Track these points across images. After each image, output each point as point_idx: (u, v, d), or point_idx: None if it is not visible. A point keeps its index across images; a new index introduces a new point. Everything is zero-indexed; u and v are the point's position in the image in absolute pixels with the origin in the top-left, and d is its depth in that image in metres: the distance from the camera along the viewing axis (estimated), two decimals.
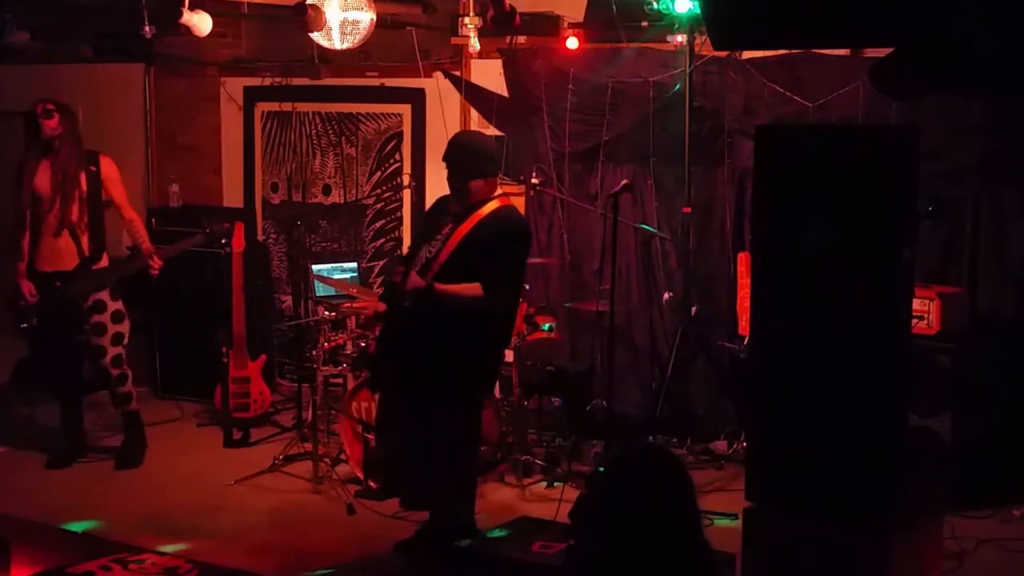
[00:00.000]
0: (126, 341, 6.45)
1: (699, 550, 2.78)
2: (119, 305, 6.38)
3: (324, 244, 8.21)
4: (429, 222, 5.35)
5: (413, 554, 5.19)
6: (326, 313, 6.54)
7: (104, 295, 6.30)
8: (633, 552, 2.70)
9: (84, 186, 6.22)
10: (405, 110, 7.89)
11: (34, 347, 7.03)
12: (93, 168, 6.27)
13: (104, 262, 6.37)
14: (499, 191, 5.20)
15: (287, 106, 8.22)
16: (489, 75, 7.37)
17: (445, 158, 5.18)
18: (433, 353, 5.00)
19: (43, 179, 6.17)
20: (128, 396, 6.53)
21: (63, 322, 6.32)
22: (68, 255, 6.23)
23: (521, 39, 7.19)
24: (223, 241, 6.88)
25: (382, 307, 5.21)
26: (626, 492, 2.76)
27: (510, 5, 6.28)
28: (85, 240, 6.25)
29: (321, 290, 7.01)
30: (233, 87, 8.44)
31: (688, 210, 6.56)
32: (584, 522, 2.84)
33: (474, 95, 7.47)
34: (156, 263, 6.35)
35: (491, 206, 5.09)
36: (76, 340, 6.38)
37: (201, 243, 6.71)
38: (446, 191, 5.25)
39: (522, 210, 7.25)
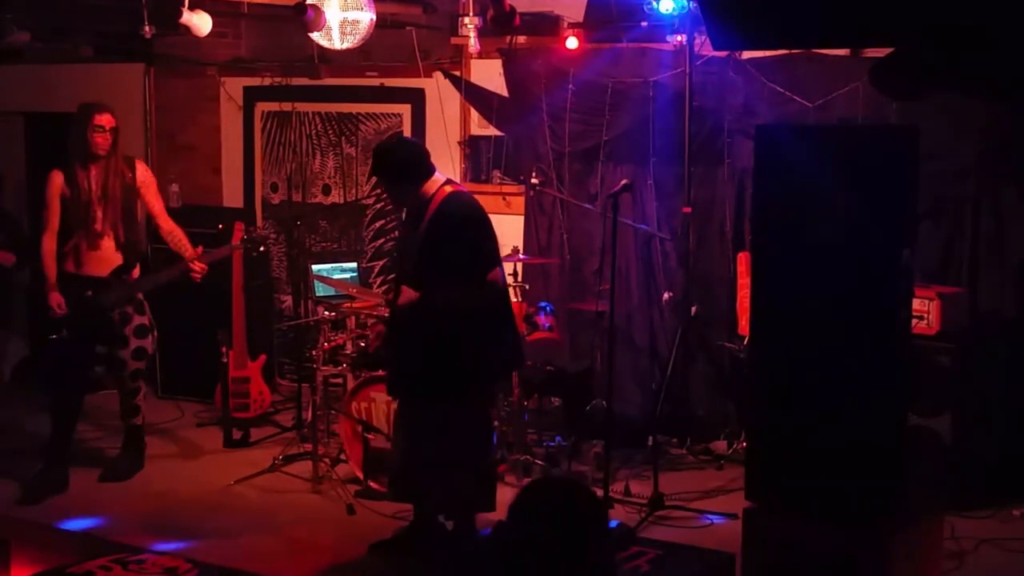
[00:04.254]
0: (148, 355, 6.28)
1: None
2: (144, 319, 6.20)
3: (324, 244, 8.21)
4: (401, 239, 5.34)
5: (388, 556, 5.19)
6: (326, 313, 6.54)
7: (131, 307, 6.13)
8: None
9: (120, 193, 6.02)
10: (405, 110, 7.89)
11: (47, 352, 6.60)
12: (129, 174, 6.09)
13: (137, 272, 6.19)
14: (441, 182, 5.06)
15: (287, 106, 8.22)
16: (489, 75, 7.37)
17: (375, 173, 5.15)
18: (414, 353, 4.99)
19: (85, 186, 5.96)
20: (136, 410, 6.34)
21: (89, 332, 6.08)
22: (104, 263, 6.03)
23: (521, 39, 7.19)
24: (261, 249, 6.93)
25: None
26: (531, 530, 2.77)
27: (510, 5, 6.28)
28: (121, 248, 6.04)
29: (321, 290, 7.01)
30: (233, 87, 8.44)
31: (688, 210, 6.56)
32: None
33: (474, 95, 7.47)
34: (199, 267, 6.08)
35: (437, 199, 5.01)
36: (97, 351, 6.17)
37: (238, 248, 6.56)
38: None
39: (521, 210, 7.28)
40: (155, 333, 6.30)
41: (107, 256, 6.04)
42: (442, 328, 4.92)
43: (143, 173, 6.19)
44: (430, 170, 5.07)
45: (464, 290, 4.93)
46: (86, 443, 6.74)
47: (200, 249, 6.18)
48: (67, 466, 6.15)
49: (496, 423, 5.78)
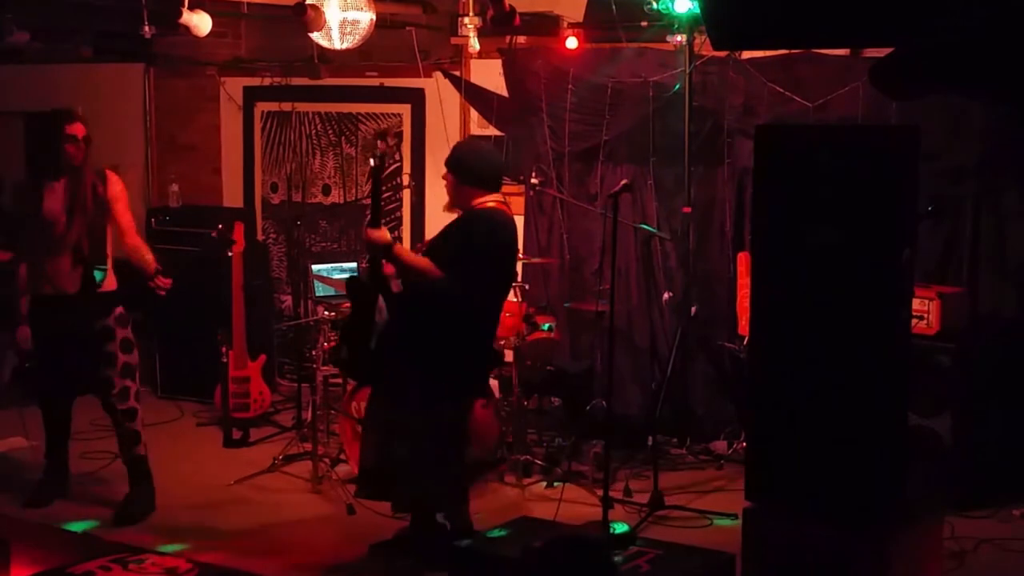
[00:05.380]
0: (137, 371, 5.84)
1: None
2: (128, 333, 5.78)
3: (324, 244, 8.21)
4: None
5: (388, 556, 5.18)
6: (326, 313, 6.54)
7: (111, 320, 5.70)
8: None
9: (91, 206, 5.65)
10: (405, 110, 7.89)
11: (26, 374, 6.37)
12: (100, 187, 5.70)
13: (112, 285, 5.76)
14: (494, 198, 5.07)
15: (287, 106, 8.22)
16: (489, 75, 7.37)
17: (451, 167, 5.10)
18: (400, 349, 4.96)
19: (56, 200, 5.61)
20: (135, 436, 5.80)
21: (67, 352, 5.72)
22: (74, 279, 5.63)
23: (521, 39, 7.19)
24: (228, 253, 6.86)
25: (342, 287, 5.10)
26: None
27: (510, 5, 6.27)
28: (86, 262, 5.64)
29: (321, 290, 7.00)
30: (233, 87, 8.44)
31: (688, 210, 6.56)
32: None
33: (474, 95, 7.47)
34: (164, 283, 5.72)
35: (476, 209, 5.02)
36: (80, 372, 5.76)
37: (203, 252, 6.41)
38: (445, 191, 5.24)
39: (521, 210, 7.28)
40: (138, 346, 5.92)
41: (75, 272, 5.63)
42: (424, 322, 4.90)
43: (114, 186, 5.77)
44: (497, 187, 5.10)
45: (451, 282, 4.85)
46: (89, 442, 6.72)
47: (159, 266, 5.81)
48: (65, 470, 6.03)
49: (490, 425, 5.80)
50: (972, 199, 6.15)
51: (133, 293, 5.95)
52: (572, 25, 6.87)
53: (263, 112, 8.39)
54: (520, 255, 6.67)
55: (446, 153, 7.53)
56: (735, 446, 6.54)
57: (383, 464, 5.04)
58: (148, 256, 5.79)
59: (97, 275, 5.67)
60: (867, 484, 4.15)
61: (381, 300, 4.93)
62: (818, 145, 4.26)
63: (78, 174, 5.64)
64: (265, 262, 8.20)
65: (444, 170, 5.14)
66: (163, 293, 5.76)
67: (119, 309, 5.76)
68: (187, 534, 5.52)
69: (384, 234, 4.87)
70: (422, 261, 4.92)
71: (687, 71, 6.44)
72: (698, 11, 5.97)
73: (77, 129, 5.61)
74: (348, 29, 6.08)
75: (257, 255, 7.94)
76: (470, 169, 5.07)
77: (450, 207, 5.15)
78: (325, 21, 6.00)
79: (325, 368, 6.51)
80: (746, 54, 6.47)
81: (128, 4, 6.32)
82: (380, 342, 4.94)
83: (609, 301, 5.66)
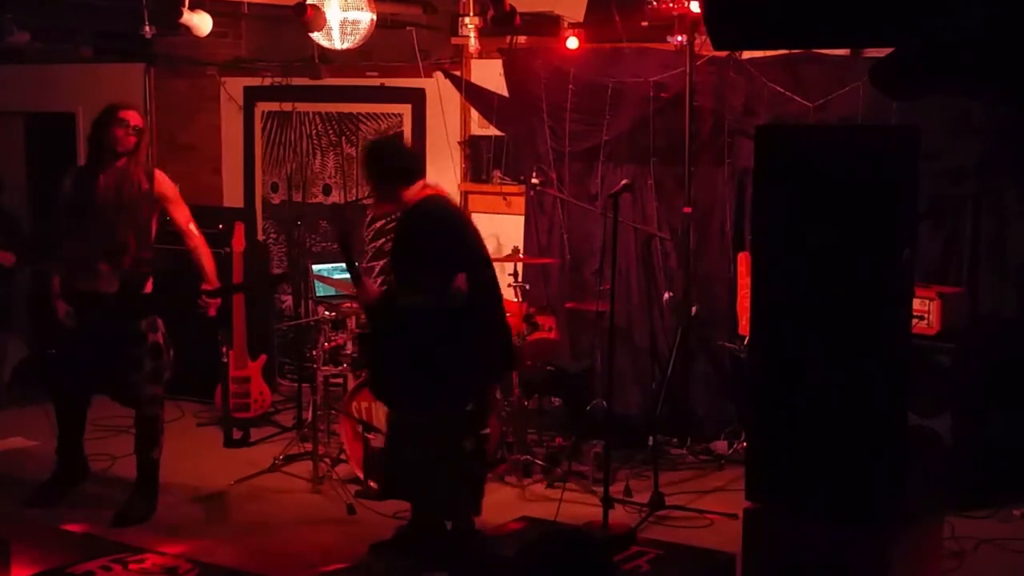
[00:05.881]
0: (165, 377, 5.76)
1: None
2: (159, 337, 5.69)
3: (324, 244, 8.21)
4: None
5: (389, 556, 5.19)
6: (326, 313, 6.54)
7: (144, 325, 5.61)
8: None
9: (136, 202, 5.53)
10: (405, 110, 7.89)
11: (44, 363, 6.29)
12: (147, 184, 5.57)
13: (149, 288, 5.68)
14: (420, 186, 5.04)
15: (287, 106, 8.22)
16: (489, 75, 7.37)
17: (366, 169, 5.17)
18: (387, 358, 5.05)
19: (98, 192, 5.49)
20: (153, 441, 5.73)
21: (92, 350, 5.60)
22: (110, 277, 5.54)
23: (521, 39, 7.19)
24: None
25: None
26: None
27: (510, 5, 6.27)
28: (130, 262, 5.55)
29: (321, 290, 7.00)
30: (233, 87, 8.44)
31: (688, 210, 6.56)
32: None
33: (474, 95, 7.47)
34: (212, 302, 5.69)
35: (412, 203, 5.02)
36: (101, 373, 5.66)
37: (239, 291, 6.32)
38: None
39: (522, 210, 7.28)
40: (171, 352, 5.82)
41: (113, 270, 5.55)
42: (409, 332, 4.92)
43: (162, 184, 5.67)
44: (420, 173, 5.10)
45: (426, 293, 4.87)
46: (90, 443, 6.72)
47: (219, 284, 5.79)
48: (77, 468, 5.97)
49: (490, 425, 5.80)
50: (972, 199, 6.15)
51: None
52: (572, 25, 6.86)
53: (263, 112, 8.39)
54: (520, 254, 6.70)
55: (447, 153, 7.59)
56: (735, 446, 6.54)
57: (394, 467, 5.09)
58: (209, 263, 5.74)
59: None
60: (867, 484, 4.15)
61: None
62: (818, 145, 4.26)
63: (125, 166, 5.52)
64: (265, 262, 8.20)
65: (384, 180, 5.09)
66: (212, 312, 5.74)
67: (154, 313, 5.68)
68: (187, 534, 5.53)
69: (371, 292, 5.07)
70: (412, 296, 4.91)
71: (687, 71, 6.44)
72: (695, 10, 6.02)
73: (131, 116, 5.54)
74: (348, 29, 6.08)
75: (257, 255, 7.93)
76: (384, 165, 5.08)
77: (381, 211, 5.15)
78: (325, 21, 6.00)
79: (325, 368, 6.51)
80: (746, 54, 6.47)
81: (128, 4, 6.31)
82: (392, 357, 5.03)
83: (609, 301, 5.67)
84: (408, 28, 7.50)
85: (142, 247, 5.62)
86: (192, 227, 5.77)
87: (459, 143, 7.62)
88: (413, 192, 5.01)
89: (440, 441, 5.04)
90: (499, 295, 5.22)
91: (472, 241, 5.12)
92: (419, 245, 4.95)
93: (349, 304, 6.47)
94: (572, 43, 6.76)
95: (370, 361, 5.23)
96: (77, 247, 5.58)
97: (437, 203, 5.06)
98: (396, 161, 5.11)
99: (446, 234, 4.98)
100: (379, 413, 5.93)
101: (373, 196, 5.25)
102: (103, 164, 5.56)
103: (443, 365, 4.93)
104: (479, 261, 5.09)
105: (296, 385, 6.81)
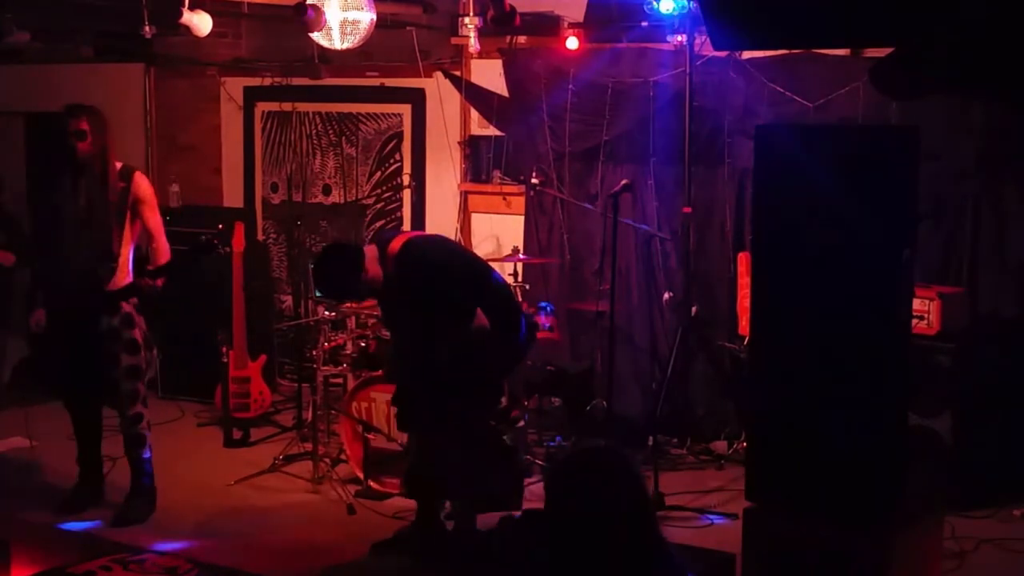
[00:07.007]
0: (143, 374, 5.71)
1: (653, 547, 2.78)
2: (135, 333, 5.64)
3: (324, 244, 8.20)
4: (385, 315, 5.43)
5: (389, 556, 5.19)
6: (326, 313, 6.54)
7: (116, 320, 5.58)
8: (585, 556, 2.71)
9: (111, 203, 5.52)
10: (405, 110, 7.89)
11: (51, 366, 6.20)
12: (123, 184, 5.56)
13: (118, 284, 5.61)
14: (376, 251, 4.92)
15: (287, 106, 8.22)
16: (489, 75, 7.37)
17: (328, 295, 5.28)
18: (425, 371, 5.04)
19: (70, 197, 5.54)
20: (140, 439, 5.72)
21: (77, 353, 5.65)
22: (89, 277, 5.54)
23: (521, 39, 7.20)
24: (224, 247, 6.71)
25: None
26: (574, 496, 2.77)
27: (510, 5, 6.27)
28: (106, 260, 5.54)
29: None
30: (233, 87, 8.44)
31: (688, 210, 6.56)
32: (533, 532, 2.87)
33: (474, 95, 7.47)
34: (148, 283, 5.56)
35: (391, 263, 4.89)
36: (97, 375, 5.67)
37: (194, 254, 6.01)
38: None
39: (522, 210, 7.28)
40: (154, 351, 5.83)
41: (88, 269, 5.55)
42: (436, 360, 4.94)
43: (140, 186, 5.63)
44: (360, 255, 4.86)
45: (468, 331, 4.86)
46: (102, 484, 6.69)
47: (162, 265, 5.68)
48: (98, 476, 5.94)
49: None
50: (972, 199, 6.15)
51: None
52: (572, 25, 6.87)
53: (263, 112, 8.39)
54: (520, 254, 6.70)
55: (447, 153, 7.60)
56: (735, 446, 6.54)
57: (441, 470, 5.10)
58: (163, 261, 5.68)
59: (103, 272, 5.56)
60: (867, 484, 4.15)
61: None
62: (818, 145, 4.26)
63: (92, 168, 5.53)
64: (265, 262, 8.20)
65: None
66: (148, 289, 5.57)
67: (126, 308, 5.64)
68: (187, 534, 5.53)
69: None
70: (471, 334, 4.87)
71: (687, 71, 6.44)
72: (693, 10, 6.02)
73: (82, 125, 5.50)
74: (348, 29, 6.07)
75: (257, 255, 7.93)
76: (335, 279, 4.95)
77: (373, 287, 5.00)
78: (325, 21, 5.99)
79: (325, 368, 6.51)
80: (746, 54, 6.47)
81: (128, 4, 6.30)
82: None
83: (609, 301, 5.67)
84: (408, 28, 7.50)
85: (109, 243, 5.56)
86: (161, 236, 5.72)
87: (459, 143, 7.62)
88: (375, 264, 4.87)
89: (488, 438, 5.13)
90: (509, 293, 5.29)
91: (469, 260, 5.19)
92: (431, 299, 4.87)
93: (349, 304, 6.47)
94: (572, 43, 6.76)
95: (400, 391, 5.20)
96: (49, 250, 5.63)
97: (423, 252, 4.94)
98: (337, 274, 4.93)
99: (447, 279, 4.91)
100: (379, 413, 5.93)
101: (362, 299, 5.36)
102: (73, 170, 5.56)
103: (478, 373, 4.99)
104: (483, 276, 5.10)
105: (296, 385, 6.81)
